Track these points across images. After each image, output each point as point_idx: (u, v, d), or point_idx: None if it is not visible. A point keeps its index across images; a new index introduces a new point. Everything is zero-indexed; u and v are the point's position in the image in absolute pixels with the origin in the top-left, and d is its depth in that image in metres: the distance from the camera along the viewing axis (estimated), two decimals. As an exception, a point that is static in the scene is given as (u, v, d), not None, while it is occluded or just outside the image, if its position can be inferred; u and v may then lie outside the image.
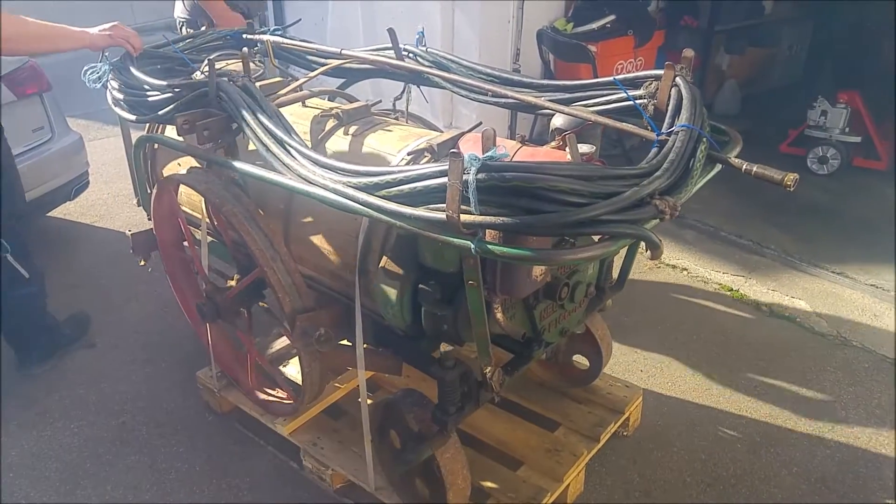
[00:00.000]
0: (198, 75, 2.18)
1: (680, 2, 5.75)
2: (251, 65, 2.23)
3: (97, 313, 3.26)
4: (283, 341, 2.72)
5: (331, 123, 2.14)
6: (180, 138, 2.05)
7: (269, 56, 2.44)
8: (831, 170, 4.88)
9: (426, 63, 2.25)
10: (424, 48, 2.29)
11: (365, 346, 1.99)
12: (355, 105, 2.28)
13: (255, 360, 2.45)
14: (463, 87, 2.10)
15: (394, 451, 2.04)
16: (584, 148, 1.64)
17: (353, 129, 2.11)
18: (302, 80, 2.34)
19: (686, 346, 3.08)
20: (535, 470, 2.19)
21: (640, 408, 2.55)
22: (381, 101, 2.45)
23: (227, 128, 2.00)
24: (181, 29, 3.24)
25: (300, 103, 2.29)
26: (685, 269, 3.73)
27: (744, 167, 1.50)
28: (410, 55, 2.31)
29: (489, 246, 1.33)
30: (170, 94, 2.08)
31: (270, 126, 1.78)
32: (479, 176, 1.27)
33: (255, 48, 2.56)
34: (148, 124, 2.52)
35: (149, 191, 2.62)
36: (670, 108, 1.58)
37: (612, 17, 4.60)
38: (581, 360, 2.52)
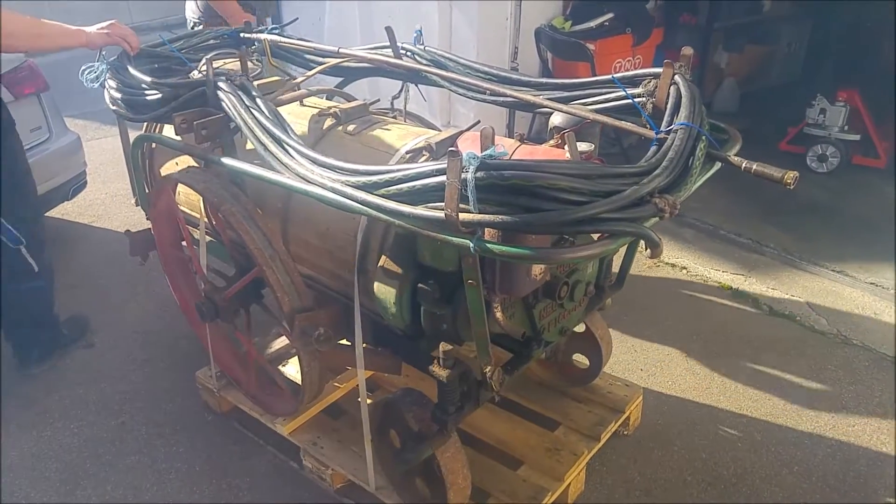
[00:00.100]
0: (195, 74, 2.17)
1: (678, 0, 5.75)
2: (249, 64, 2.22)
3: (96, 313, 3.25)
4: (282, 341, 2.72)
5: (329, 122, 2.14)
6: (178, 137, 2.04)
7: (266, 55, 2.43)
8: (830, 168, 4.88)
9: (424, 62, 2.25)
10: (422, 47, 2.28)
11: (364, 345, 1.99)
12: (353, 104, 2.28)
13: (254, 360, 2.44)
14: (461, 86, 2.10)
15: (394, 451, 2.03)
16: (582, 146, 1.63)
17: (351, 127, 2.10)
18: (300, 79, 2.34)
19: (686, 344, 3.08)
20: (536, 469, 2.19)
21: (641, 407, 2.55)
22: (379, 100, 2.45)
23: (224, 127, 2.00)
24: (193, 27, 3.23)
25: (298, 102, 2.28)
26: (684, 268, 3.73)
27: (743, 165, 1.50)
28: (408, 54, 2.30)
29: (488, 245, 1.33)
30: (167, 94, 2.07)
31: (268, 125, 1.78)
32: (478, 174, 1.27)
33: (253, 47, 2.55)
34: (146, 124, 2.52)
35: (147, 190, 2.62)
36: (669, 106, 1.58)
37: (610, 16, 4.60)
38: (581, 359, 2.52)
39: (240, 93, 1.93)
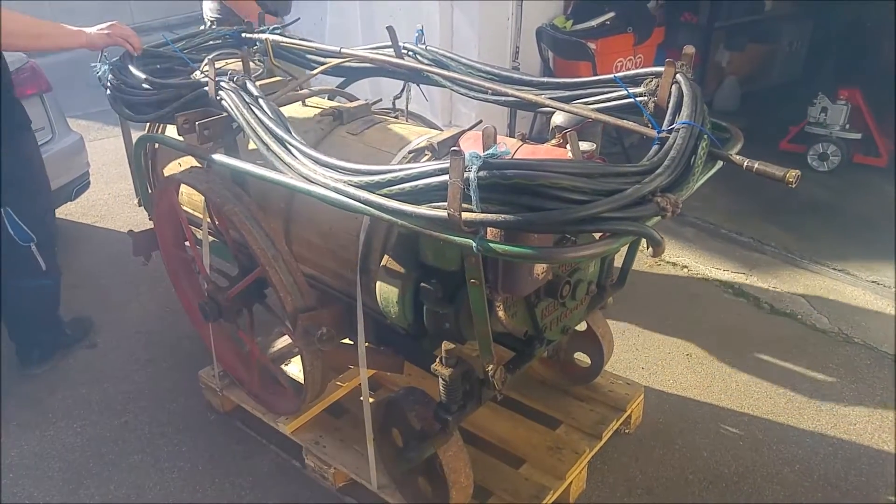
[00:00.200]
0: (197, 75, 2.17)
1: (679, -1, 5.75)
2: (251, 64, 2.23)
3: (98, 313, 3.26)
4: (284, 340, 2.72)
5: (331, 122, 2.14)
6: (180, 138, 2.05)
7: (268, 55, 2.43)
8: (831, 166, 4.88)
9: (426, 61, 2.25)
10: (424, 46, 2.28)
11: (366, 344, 1.99)
12: (355, 104, 2.29)
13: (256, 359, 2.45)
14: (463, 86, 2.10)
15: (396, 450, 2.04)
16: (584, 145, 1.64)
17: (353, 127, 2.11)
18: (302, 79, 2.34)
19: (687, 343, 3.08)
20: (538, 468, 2.19)
21: (642, 405, 2.56)
22: (381, 100, 2.45)
23: (227, 127, 2.00)
24: (210, 27, 3.23)
25: (300, 102, 2.29)
26: (685, 267, 3.73)
27: (745, 164, 1.50)
28: (410, 53, 2.31)
29: (491, 244, 1.33)
30: (170, 94, 2.07)
31: (271, 125, 1.78)
32: (481, 174, 1.27)
33: (255, 47, 2.56)
34: (148, 124, 2.52)
35: (149, 191, 2.62)
36: (671, 105, 1.58)
37: (611, 15, 4.60)
38: (582, 358, 2.53)
39: (242, 93, 1.93)
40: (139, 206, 2.75)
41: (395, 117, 2.37)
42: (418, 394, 1.97)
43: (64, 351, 2.99)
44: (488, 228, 1.35)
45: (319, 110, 2.20)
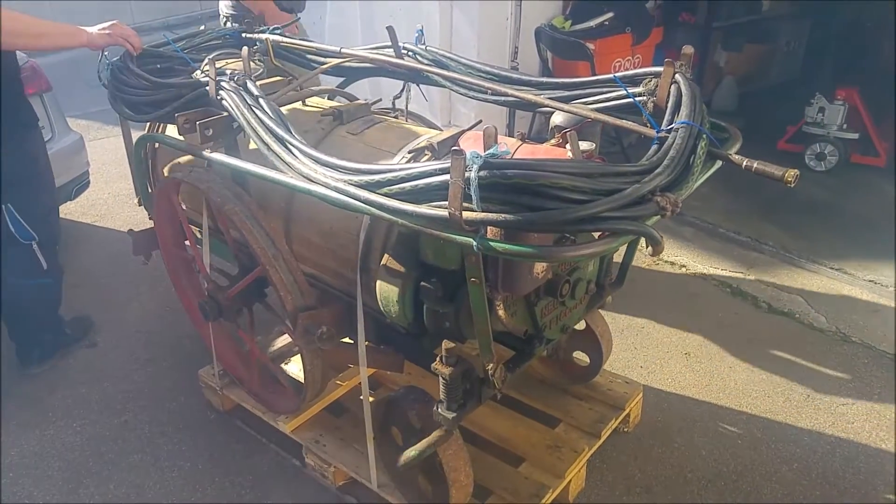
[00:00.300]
0: (198, 74, 2.18)
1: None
2: (251, 64, 2.23)
3: (98, 312, 3.27)
4: (284, 339, 2.73)
5: (331, 122, 2.15)
6: (181, 137, 2.05)
7: (269, 55, 2.44)
8: (829, 166, 4.89)
9: (425, 61, 2.26)
10: (424, 46, 2.29)
11: (367, 343, 2.00)
12: (355, 104, 2.29)
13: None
14: (463, 86, 2.11)
15: (396, 449, 2.04)
16: (584, 145, 1.64)
17: (353, 127, 2.11)
18: (302, 79, 2.34)
19: (685, 342, 3.09)
20: (537, 466, 2.20)
21: (641, 404, 2.56)
22: (380, 100, 2.45)
23: (227, 127, 2.01)
24: (225, 24, 3.23)
25: (300, 102, 2.29)
26: (684, 266, 3.74)
27: (744, 163, 1.51)
28: (410, 53, 2.31)
29: (491, 243, 1.34)
30: (170, 93, 2.08)
31: (271, 125, 1.79)
32: (481, 173, 1.28)
33: (255, 47, 2.56)
34: (148, 124, 2.53)
35: (149, 190, 2.62)
36: (670, 104, 1.59)
37: (609, 15, 4.61)
38: (581, 357, 2.53)
39: (242, 92, 1.94)
40: (139, 205, 2.75)
41: (395, 117, 2.37)
42: (418, 392, 1.97)
43: (64, 350, 2.99)
44: (489, 227, 1.36)
45: (320, 110, 2.20)
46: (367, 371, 2.07)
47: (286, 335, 2.70)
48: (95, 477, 2.40)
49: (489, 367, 1.74)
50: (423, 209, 1.39)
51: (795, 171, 1.42)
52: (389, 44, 2.29)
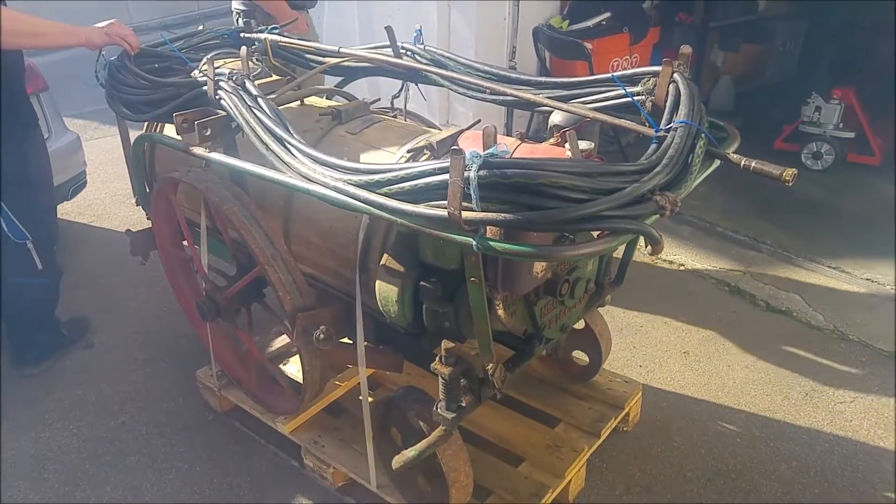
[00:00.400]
0: (196, 74, 2.17)
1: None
2: (250, 63, 2.23)
3: (95, 313, 3.25)
4: (283, 339, 2.72)
5: (330, 121, 2.14)
6: (179, 137, 2.05)
7: (267, 55, 2.43)
8: (825, 165, 4.91)
9: (424, 61, 2.26)
10: (422, 46, 2.29)
11: (366, 343, 1.99)
12: (354, 103, 2.29)
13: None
14: (461, 85, 2.10)
15: (395, 449, 2.04)
16: (582, 144, 1.64)
17: (352, 127, 2.11)
18: (300, 79, 2.34)
19: (684, 341, 3.09)
20: (537, 466, 2.20)
21: (640, 403, 2.57)
22: (379, 100, 2.45)
23: (226, 126, 2.00)
24: (237, 21, 3.23)
25: (299, 101, 2.29)
26: (682, 265, 3.75)
27: (742, 163, 1.51)
28: (408, 53, 2.31)
29: (491, 242, 1.34)
30: (168, 93, 2.07)
31: (270, 124, 1.78)
32: (481, 173, 1.27)
33: (254, 47, 2.55)
34: (146, 123, 2.52)
35: (147, 190, 2.62)
36: (668, 104, 1.59)
37: (607, 15, 4.61)
38: (581, 356, 2.53)
39: (241, 92, 1.93)
40: (137, 205, 2.74)
41: (394, 116, 2.37)
42: (417, 392, 1.97)
43: (61, 351, 2.98)
44: (488, 227, 1.36)
45: (318, 110, 2.20)
46: (367, 371, 2.06)
47: (285, 335, 2.70)
48: (92, 479, 2.39)
49: (489, 366, 1.74)
50: (422, 209, 1.39)
51: (794, 169, 1.42)
52: (388, 43, 2.29)
